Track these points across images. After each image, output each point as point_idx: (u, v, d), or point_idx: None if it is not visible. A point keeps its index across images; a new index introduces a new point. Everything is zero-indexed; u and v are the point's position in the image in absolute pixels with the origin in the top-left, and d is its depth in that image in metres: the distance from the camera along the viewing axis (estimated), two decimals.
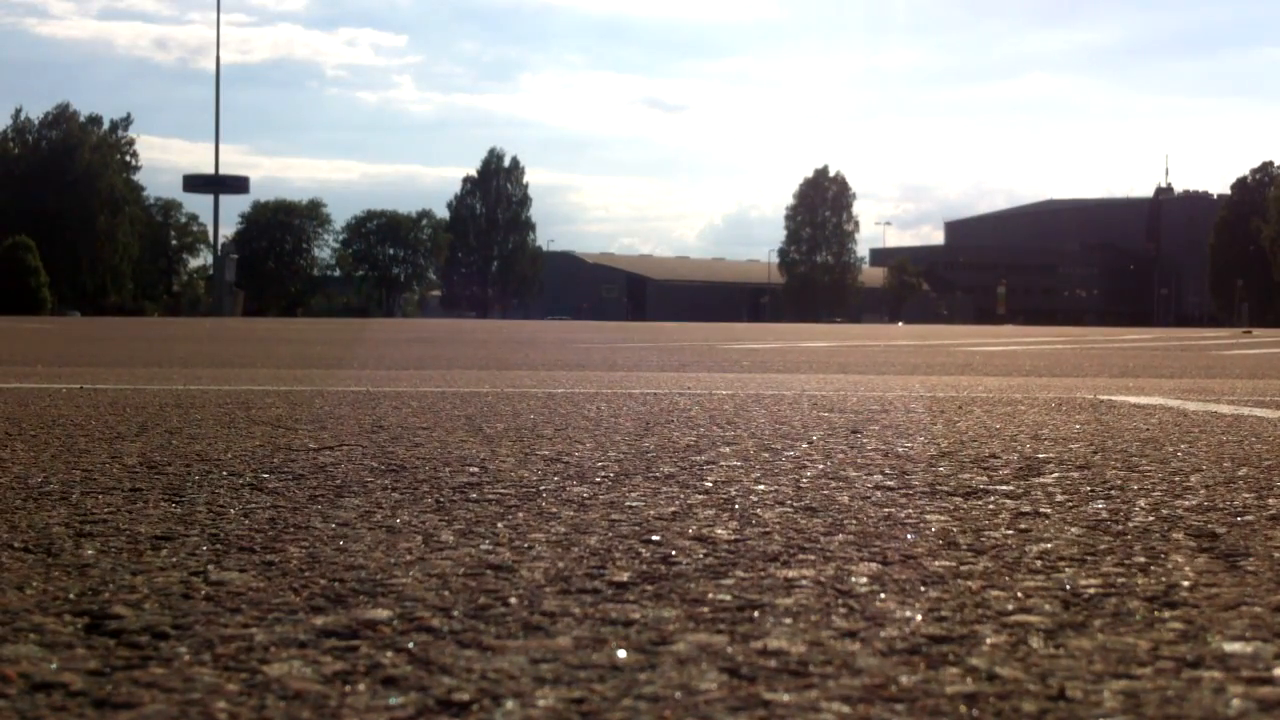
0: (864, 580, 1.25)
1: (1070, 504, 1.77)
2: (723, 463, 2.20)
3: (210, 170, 77.05)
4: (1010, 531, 1.54)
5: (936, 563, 1.35)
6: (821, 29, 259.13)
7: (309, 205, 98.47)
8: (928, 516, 1.65)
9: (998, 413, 3.40)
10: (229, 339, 12.64)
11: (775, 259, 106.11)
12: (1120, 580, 1.27)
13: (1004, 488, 1.92)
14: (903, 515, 1.66)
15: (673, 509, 1.69)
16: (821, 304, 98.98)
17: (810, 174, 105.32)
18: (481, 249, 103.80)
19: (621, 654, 0.99)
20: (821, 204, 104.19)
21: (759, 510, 1.68)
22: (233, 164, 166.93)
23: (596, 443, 2.51)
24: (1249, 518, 1.66)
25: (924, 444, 2.54)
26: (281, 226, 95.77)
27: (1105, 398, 4.12)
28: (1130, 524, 1.60)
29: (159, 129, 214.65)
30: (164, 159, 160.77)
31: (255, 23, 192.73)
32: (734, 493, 1.84)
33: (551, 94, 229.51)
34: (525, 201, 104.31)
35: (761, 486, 1.91)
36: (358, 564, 1.32)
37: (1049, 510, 1.71)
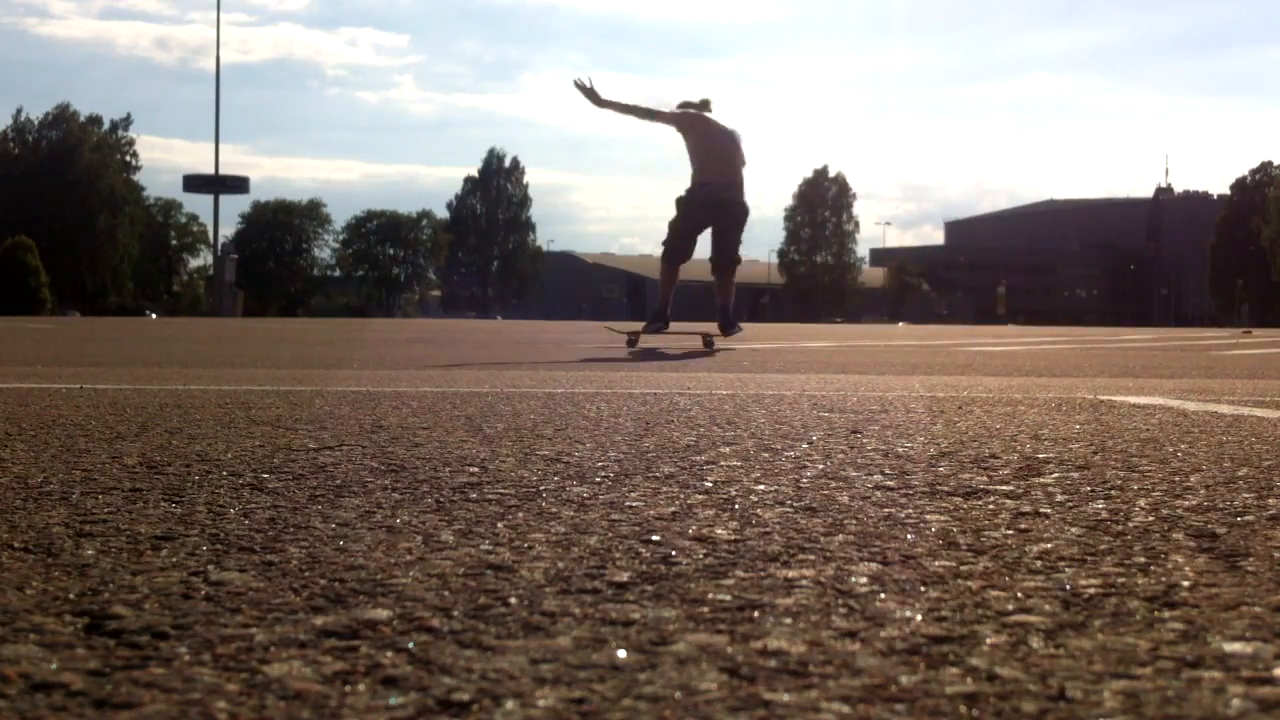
0: (864, 580, 1.26)
1: (1070, 504, 1.77)
2: (723, 463, 2.20)
3: (210, 170, 77.02)
4: (1010, 531, 1.54)
5: (936, 563, 1.35)
6: (822, 29, 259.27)
7: (309, 205, 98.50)
8: (928, 516, 1.65)
9: (998, 413, 3.40)
10: (229, 339, 12.64)
11: (775, 259, 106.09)
12: (1120, 580, 1.27)
13: (1004, 488, 1.92)
14: (903, 515, 1.66)
15: (673, 509, 1.69)
16: (821, 304, 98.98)
17: (810, 174, 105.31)
18: (481, 249, 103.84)
19: (621, 654, 0.99)
20: (821, 204, 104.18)
21: (759, 510, 1.69)
22: (233, 164, 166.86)
23: (596, 443, 2.51)
24: (1249, 518, 1.66)
25: (924, 444, 2.54)
26: (281, 226, 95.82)
27: (1105, 398, 4.12)
28: (1130, 524, 1.61)
29: (159, 129, 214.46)
30: (164, 159, 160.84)
31: (256, 22, 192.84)
32: (734, 493, 1.84)
33: (552, 94, 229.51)
34: (525, 202, 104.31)
35: (761, 486, 1.91)
36: (358, 564, 1.32)
37: (1049, 510, 1.71)
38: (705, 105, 10.71)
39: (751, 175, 11.07)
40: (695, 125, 10.46)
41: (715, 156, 10.44)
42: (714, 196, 10.38)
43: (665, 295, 10.65)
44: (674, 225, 10.53)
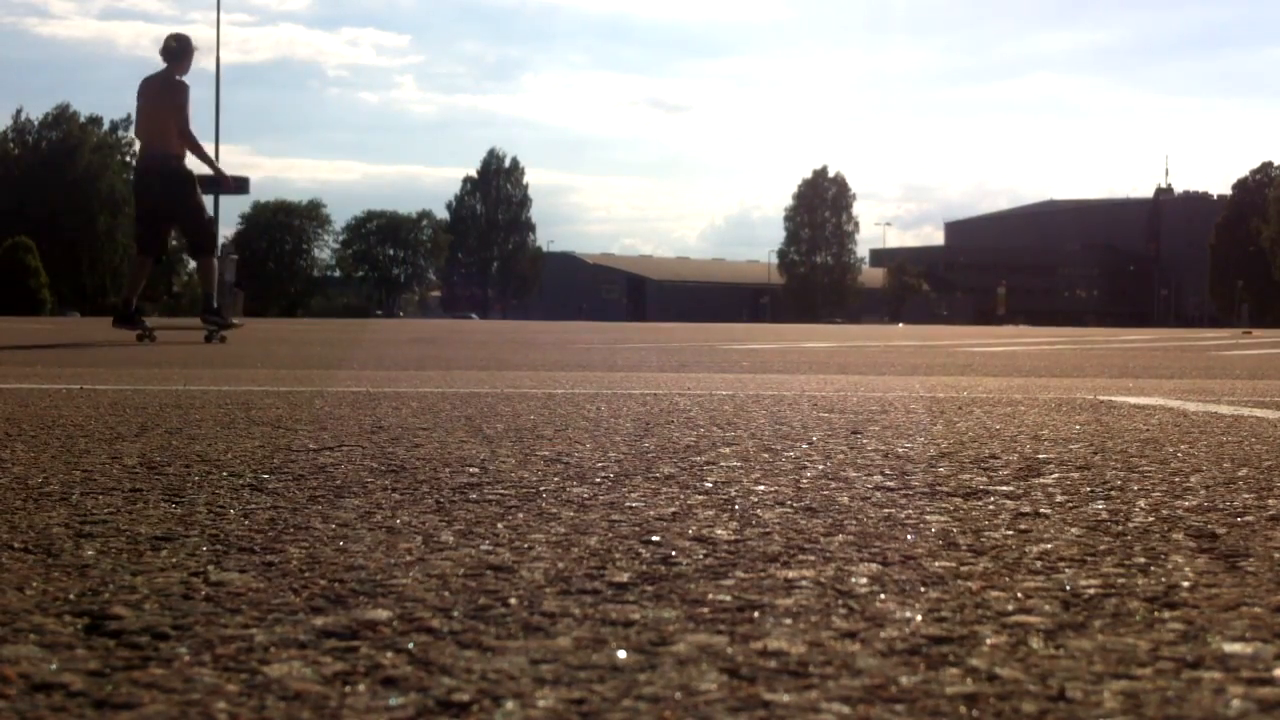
0: (864, 581, 1.25)
1: (1070, 504, 1.77)
2: (723, 463, 2.20)
3: (210, 170, 76.86)
4: (1010, 532, 1.54)
5: (936, 563, 1.35)
6: (822, 29, 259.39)
7: (309, 206, 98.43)
8: (928, 517, 1.65)
9: (998, 413, 3.40)
10: (228, 339, 12.62)
11: (775, 259, 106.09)
12: (1120, 580, 1.27)
13: (1004, 488, 1.92)
14: (903, 516, 1.66)
15: (673, 509, 1.69)
16: (821, 304, 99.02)
17: (809, 174, 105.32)
18: (481, 249, 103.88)
19: (621, 654, 0.99)
20: (821, 204, 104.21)
21: (759, 511, 1.69)
22: (233, 164, 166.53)
23: (596, 443, 2.51)
24: (1249, 518, 1.66)
25: (924, 444, 2.54)
26: (281, 227, 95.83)
27: (1105, 398, 4.12)
28: (1130, 524, 1.61)
29: None
30: None
31: (257, 22, 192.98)
32: (734, 493, 1.84)
33: (553, 94, 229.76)
34: (525, 202, 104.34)
35: (761, 487, 1.91)
36: (358, 564, 1.32)
37: (1049, 511, 1.71)
38: (172, 50, 9.48)
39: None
40: (141, 90, 9.49)
41: (151, 119, 9.45)
42: (153, 169, 9.45)
43: (131, 288, 9.77)
44: (136, 212, 9.79)
